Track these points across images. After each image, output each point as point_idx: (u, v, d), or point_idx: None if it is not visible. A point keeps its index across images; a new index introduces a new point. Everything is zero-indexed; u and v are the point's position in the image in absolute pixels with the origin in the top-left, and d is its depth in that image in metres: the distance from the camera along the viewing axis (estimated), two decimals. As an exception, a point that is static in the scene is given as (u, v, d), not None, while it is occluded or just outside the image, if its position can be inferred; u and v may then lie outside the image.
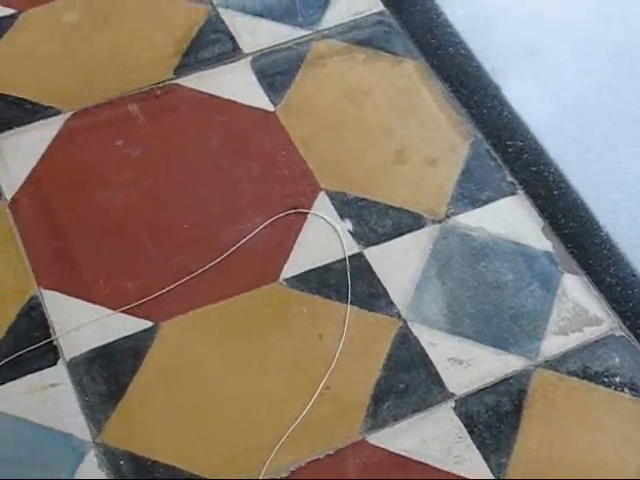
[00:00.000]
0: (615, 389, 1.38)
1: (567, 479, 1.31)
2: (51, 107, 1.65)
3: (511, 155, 1.60)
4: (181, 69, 1.70)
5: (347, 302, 1.44)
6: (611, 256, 1.49)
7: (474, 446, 1.33)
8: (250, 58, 1.72)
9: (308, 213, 1.53)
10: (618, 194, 1.56)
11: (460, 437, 1.34)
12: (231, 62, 1.72)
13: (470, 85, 1.68)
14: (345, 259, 1.49)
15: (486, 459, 1.32)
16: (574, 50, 1.73)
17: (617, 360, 1.40)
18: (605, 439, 1.34)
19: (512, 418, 1.36)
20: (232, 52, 1.73)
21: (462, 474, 1.31)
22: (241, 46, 1.74)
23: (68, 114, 1.65)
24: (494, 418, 1.36)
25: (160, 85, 1.69)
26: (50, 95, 1.66)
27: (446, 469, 1.31)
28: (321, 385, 1.37)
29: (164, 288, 1.46)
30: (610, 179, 1.57)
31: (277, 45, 1.74)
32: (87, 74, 1.70)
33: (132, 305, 1.44)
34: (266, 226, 1.51)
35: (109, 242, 1.51)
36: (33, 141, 1.61)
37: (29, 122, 1.64)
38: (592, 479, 1.30)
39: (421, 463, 1.32)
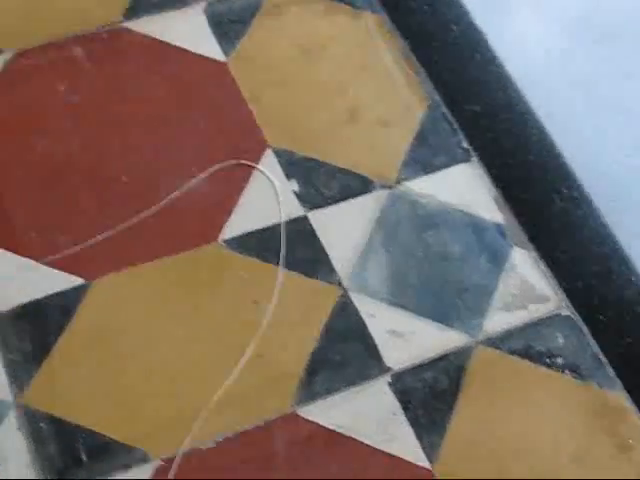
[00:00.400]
0: (557, 370, 1.34)
1: (500, 461, 1.27)
2: (-9, 46, 1.57)
3: (468, 120, 1.53)
4: (132, 11, 1.63)
5: (279, 265, 1.38)
6: (563, 231, 1.44)
7: (407, 424, 1.29)
8: (204, 3, 1.65)
9: (252, 167, 1.47)
10: (576, 167, 1.50)
11: (394, 414, 1.30)
12: (185, 6, 1.64)
13: (431, 44, 1.61)
14: (281, 223, 1.42)
15: (419, 438, 1.28)
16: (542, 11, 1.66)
17: (561, 341, 1.36)
18: (543, 421, 1.31)
19: (449, 396, 1.32)
20: (186, -4, 1.65)
21: (393, 452, 1.27)
22: (195, -10, 1.66)
23: (9, 54, 1.57)
24: (430, 395, 1.32)
25: (108, 28, 1.61)
26: (-10, 33, 1.58)
27: (377, 446, 1.27)
28: (248, 352, 1.31)
29: (98, 244, 1.39)
30: (568, 148, 1.51)
31: (232, -9, 1.66)
32: (31, 12, 1.62)
33: (59, 257, 1.37)
34: (207, 182, 1.45)
35: (43, 192, 1.45)
36: (-30, 81, 1.54)
37: (-33, 61, 1.56)
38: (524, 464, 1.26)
39: (352, 439, 1.28)
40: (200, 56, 1.59)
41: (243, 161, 1.48)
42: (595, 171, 1.49)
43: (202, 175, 1.46)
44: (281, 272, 1.38)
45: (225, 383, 1.30)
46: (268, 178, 1.46)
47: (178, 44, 1.60)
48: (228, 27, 1.62)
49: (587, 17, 1.66)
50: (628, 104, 1.56)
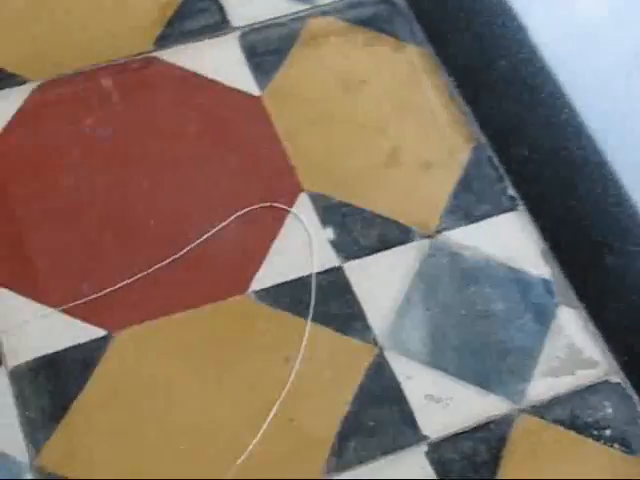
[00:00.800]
0: (604, 443, 1.26)
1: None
2: (16, 75, 1.51)
3: (515, 165, 1.45)
4: (162, 40, 1.56)
5: (308, 319, 1.31)
6: (614, 290, 1.35)
7: (445, 498, 1.21)
8: (239, 33, 1.57)
9: (286, 212, 1.40)
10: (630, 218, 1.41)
11: (431, 486, 1.22)
12: (217, 36, 1.57)
13: (478, 81, 1.52)
14: (312, 275, 1.35)
15: (456, 514, 1.21)
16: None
17: (610, 410, 1.28)
18: (589, 498, 1.22)
19: (489, 469, 1.24)
20: (220, 24, 1.58)
21: (429, 529, 1.20)
22: (230, 18, 1.58)
23: (35, 84, 1.50)
24: (469, 467, 1.24)
25: (138, 57, 1.53)
26: (16, 61, 1.52)
27: (413, 522, 1.20)
28: (276, 414, 1.24)
29: (122, 294, 1.32)
30: (625, 199, 1.42)
31: (269, 20, 1.59)
32: (58, 39, 1.55)
33: (80, 305, 1.31)
34: (238, 227, 1.38)
35: (67, 235, 1.38)
36: (-6, 112, 1.48)
37: (-8, 90, 1.49)
38: None
39: (385, 513, 1.21)
40: (233, 89, 1.52)
41: (276, 204, 1.40)
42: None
43: (232, 220, 1.38)
44: (312, 327, 1.31)
45: (250, 447, 1.23)
46: (303, 225, 1.38)
47: (210, 76, 1.53)
48: (263, 58, 1.54)
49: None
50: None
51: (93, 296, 1.33)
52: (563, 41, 1.55)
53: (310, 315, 1.31)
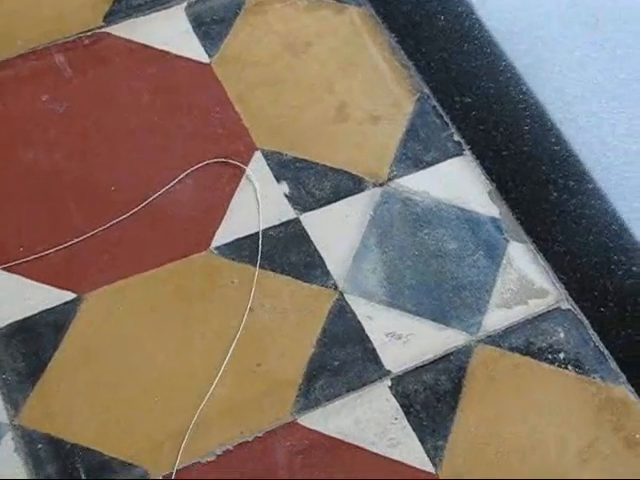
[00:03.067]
0: (559, 366, 1.32)
1: (506, 462, 1.25)
2: (-30, 56, 1.54)
3: (459, 112, 1.51)
4: (111, 16, 1.60)
5: (256, 267, 1.35)
6: (560, 223, 1.42)
7: (410, 428, 1.27)
8: (185, 4, 1.62)
9: (241, 171, 1.45)
10: (570, 156, 1.47)
11: (396, 418, 1.28)
12: (165, 8, 1.62)
13: (418, 35, 1.58)
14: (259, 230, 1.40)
15: (422, 442, 1.27)
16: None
17: (562, 335, 1.34)
18: (547, 419, 1.29)
19: (451, 398, 1.30)
20: (166, -3, 1.62)
21: (397, 458, 1.25)
22: (176, -9, 1.63)
23: (-11, 65, 1.54)
24: (432, 398, 1.30)
25: (89, 34, 1.58)
26: (-31, 44, 1.55)
27: (380, 452, 1.25)
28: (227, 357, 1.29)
29: (89, 257, 1.37)
30: (563, 137, 1.48)
31: (214, -10, 1.63)
32: (10, 21, 1.59)
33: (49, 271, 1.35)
34: (195, 187, 1.42)
35: (31, 205, 1.42)
36: (-49, 94, 1.51)
37: (-53, 73, 1.53)
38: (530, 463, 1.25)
39: (354, 446, 1.26)
40: (183, 58, 1.56)
41: (231, 161, 1.45)
42: (590, 159, 1.46)
43: (189, 176, 1.43)
44: (274, 277, 1.36)
45: (210, 390, 1.28)
46: (260, 182, 1.43)
47: (160, 47, 1.58)
48: (210, 27, 1.59)
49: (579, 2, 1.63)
50: (621, 90, 1.53)
51: (62, 264, 1.36)
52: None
53: (258, 264, 1.36)
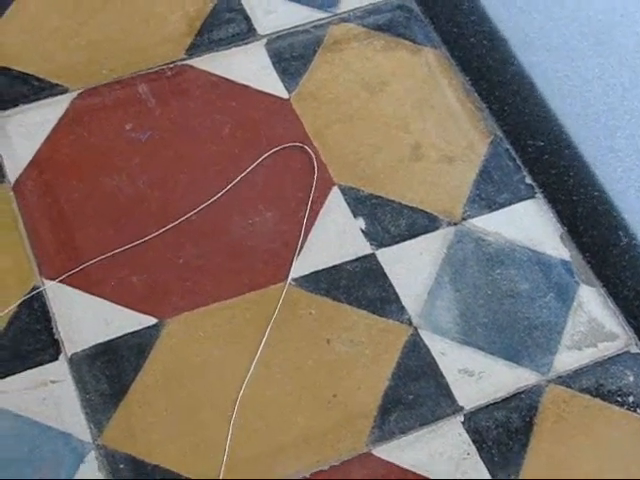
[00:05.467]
0: (628, 409, 1.35)
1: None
2: (58, 85, 1.60)
3: (531, 156, 1.55)
4: (193, 49, 1.65)
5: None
6: (630, 268, 1.45)
7: (482, 463, 1.31)
8: (265, 40, 1.67)
9: (320, 206, 1.49)
10: (640, 202, 1.51)
11: (468, 453, 1.31)
12: (245, 44, 1.66)
13: (492, 79, 1.62)
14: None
15: (494, 477, 1.29)
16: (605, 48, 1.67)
17: (631, 379, 1.37)
18: (616, 460, 1.32)
19: (522, 435, 1.33)
20: (247, 33, 1.67)
21: (469, 492, 1.28)
22: (256, 27, 1.68)
23: (75, 93, 1.60)
24: (504, 434, 1.33)
25: (171, 65, 1.63)
26: (57, 72, 1.61)
27: (453, 486, 1.29)
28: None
29: (170, 283, 1.41)
30: (635, 186, 1.52)
31: (293, 27, 1.68)
32: (96, 50, 1.64)
33: (132, 296, 1.40)
34: (275, 220, 1.47)
35: (115, 231, 1.47)
36: (39, 120, 1.57)
37: (35, 100, 1.58)
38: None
39: (427, 479, 1.29)
40: (263, 93, 1.61)
41: (309, 195, 1.49)
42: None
43: (268, 211, 1.47)
44: (351, 311, 1.40)
45: (293, 420, 1.32)
46: (338, 217, 1.47)
47: (240, 81, 1.62)
48: (289, 63, 1.63)
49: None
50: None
51: (145, 289, 1.40)
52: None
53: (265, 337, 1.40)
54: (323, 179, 1.52)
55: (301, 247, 1.46)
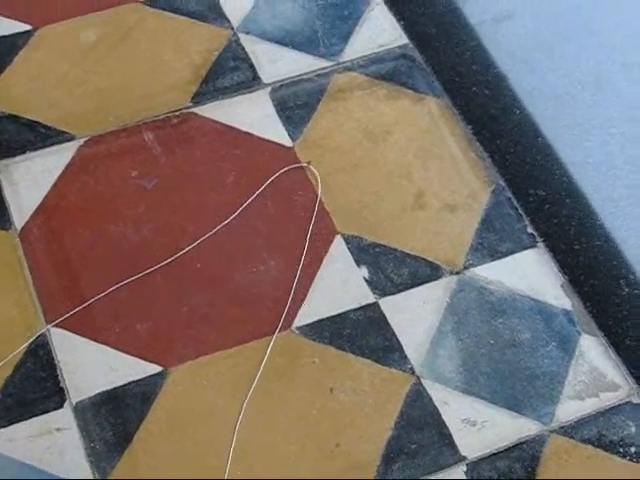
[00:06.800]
0: (630, 459, 1.36)
1: None
2: (65, 132, 1.62)
3: (533, 205, 1.56)
4: (199, 97, 1.67)
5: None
6: (632, 317, 1.46)
7: (485, 514, 1.31)
8: (269, 88, 1.69)
9: (323, 254, 1.50)
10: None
11: (471, 503, 1.32)
12: (250, 92, 1.68)
13: (494, 128, 1.64)
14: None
15: (496, 528, 1.30)
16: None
17: (633, 429, 1.38)
18: (618, 511, 1.32)
19: (524, 486, 1.33)
20: (251, 81, 1.69)
21: (471, 542, 1.29)
22: (261, 75, 1.70)
23: (82, 140, 1.61)
24: (506, 485, 1.33)
25: (177, 113, 1.65)
26: (64, 119, 1.63)
27: (456, 537, 1.29)
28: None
29: (175, 331, 1.42)
30: (636, 236, 1.53)
31: (298, 76, 1.70)
32: (102, 98, 1.66)
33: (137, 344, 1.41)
34: (279, 268, 1.48)
35: (120, 279, 1.47)
36: (45, 167, 1.58)
37: (42, 147, 1.60)
38: None
39: (430, 529, 1.30)
40: (267, 141, 1.62)
41: (313, 244, 1.50)
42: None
43: (272, 260, 1.49)
44: (354, 359, 1.41)
45: (296, 469, 1.32)
46: (341, 266, 1.49)
47: (245, 129, 1.64)
48: (293, 112, 1.65)
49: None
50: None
51: (150, 338, 1.41)
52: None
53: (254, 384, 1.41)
54: (326, 227, 1.53)
55: (304, 296, 1.46)
